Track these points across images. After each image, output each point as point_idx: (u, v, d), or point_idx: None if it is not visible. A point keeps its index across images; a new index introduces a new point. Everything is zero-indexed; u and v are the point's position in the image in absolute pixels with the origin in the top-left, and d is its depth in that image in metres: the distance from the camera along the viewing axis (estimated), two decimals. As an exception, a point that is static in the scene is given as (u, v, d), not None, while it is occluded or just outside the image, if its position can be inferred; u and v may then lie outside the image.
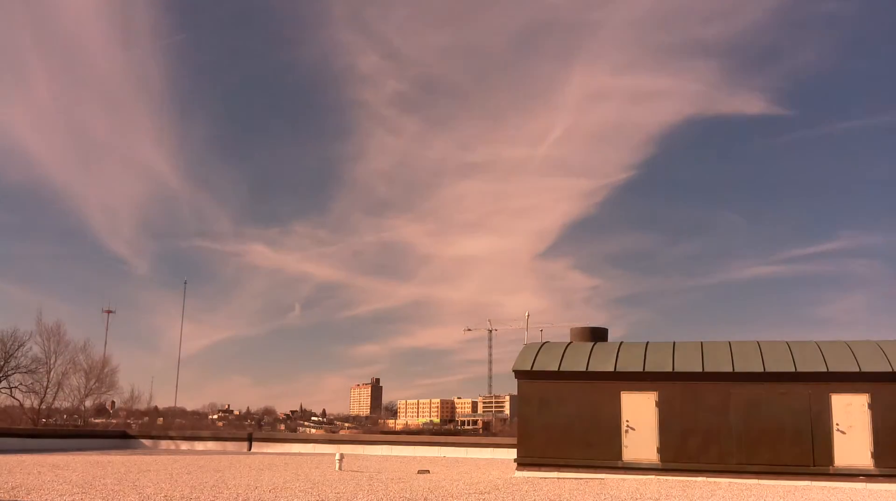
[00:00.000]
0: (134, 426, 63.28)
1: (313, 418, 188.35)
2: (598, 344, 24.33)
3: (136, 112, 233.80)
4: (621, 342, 24.37)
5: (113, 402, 72.45)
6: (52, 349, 51.44)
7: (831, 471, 20.58)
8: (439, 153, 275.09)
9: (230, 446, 40.11)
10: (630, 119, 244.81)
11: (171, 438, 42.20)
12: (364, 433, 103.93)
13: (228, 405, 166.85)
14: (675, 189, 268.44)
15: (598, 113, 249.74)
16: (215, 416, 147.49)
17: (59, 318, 71.75)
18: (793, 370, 21.45)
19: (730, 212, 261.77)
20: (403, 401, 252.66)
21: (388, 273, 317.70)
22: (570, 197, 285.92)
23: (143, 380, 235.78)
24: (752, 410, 21.41)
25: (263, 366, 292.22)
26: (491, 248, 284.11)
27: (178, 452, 36.83)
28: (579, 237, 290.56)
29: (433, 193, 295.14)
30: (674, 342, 23.72)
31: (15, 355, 49.42)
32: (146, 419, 77.92)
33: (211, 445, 40.53)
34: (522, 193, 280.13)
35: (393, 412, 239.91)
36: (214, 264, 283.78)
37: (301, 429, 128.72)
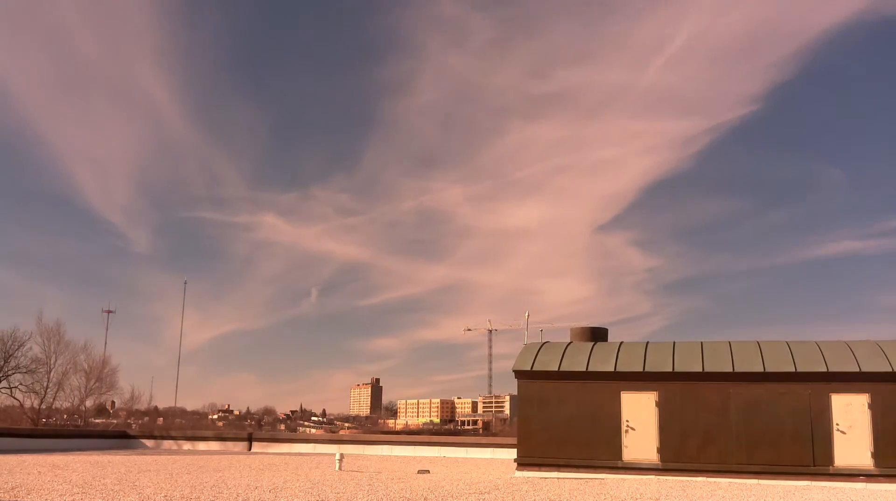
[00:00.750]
0: (134, 426, 63.30)
1: (313, 418, 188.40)
2: (598, 344, 24.33)
3: (132, 31, 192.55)
4: (621, 342, 24.38)
5: (113, 402, 72.54)
6: (52, 349, 51.44)
7: (831, 471, 20.57)
8: (507, 80, 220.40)
9: (233, 446, 40.08)
10: (777, 23, 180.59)
11: (172, 438, 42.16)
12: (364, 433, 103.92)
13: (228, 405, 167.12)
14: (792, 132, 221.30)
15: (739, 13, 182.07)
16: (215, 416, 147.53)
17: (58, 317, 71.60)
18: (793, 370, 21.44)
19: (837, 167, 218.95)
20: (403, 401, 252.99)
21: (421, 251, 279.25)
22: (662, 146, 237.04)
23: (144, 379, 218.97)
24: (752, 410, 21.40)
25: (270, 361, 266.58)
26: (544, 218, 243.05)
27: (178, 452, 36.81)
28: (651, 204, 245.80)
29: (490, 140, 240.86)
30: (674, 342, 23.73)
31: (15, 355, 49.40)
32: (146, 419, 77.97)
33: (214, 445, 40.49)
34: (603, 140, 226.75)
35: (393, 412, 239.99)
36: (224, 240, 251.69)
37: (301, 429, 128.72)
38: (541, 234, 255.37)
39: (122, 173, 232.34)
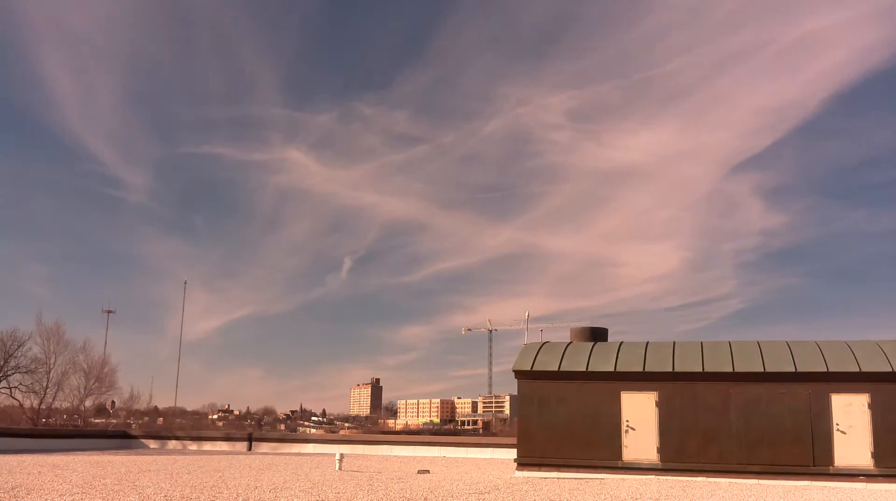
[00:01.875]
0: (134, 426, 63.28)
1: (313, 418, 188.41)
2: (598, 344, 24.33)
3: None
4: (621, 342, 24.38)
5: (113, 402, 72.42)
6: (51, 349, 51.36)
7: (831, 471, 20.57)
8: None
9: (242, 446, 40.00)
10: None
11: (178, 438, 42.11)
12: (364, 433, 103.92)
13: (228, 405, 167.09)
14: None
15: None
16: (215, 416, 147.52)
17: (57, 317, 71.58)
18: (793, 370, 21.45)
19: None
20: (403, 401, 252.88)
21: (489, 205, 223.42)
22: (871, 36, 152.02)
23: (144, 378, 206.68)
24: (752, 410, 21.40)
25: (281, 355, 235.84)
26: (671, 148, 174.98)
27: (178, 452, 36.81)
28: (822, 127, 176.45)
29: (628, 19, 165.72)
30: (674, 342, 23.73)
31: (15, 355, 49.33)
32: (146, 419, 77.89)
33: (224, 445, 40.43)
34: (812, 8, 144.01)
35: (393, 412, 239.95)
36: (241, 188, 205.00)
37: (301, 429, 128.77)
38: (655, 175, 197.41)
39: (105, 77, 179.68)
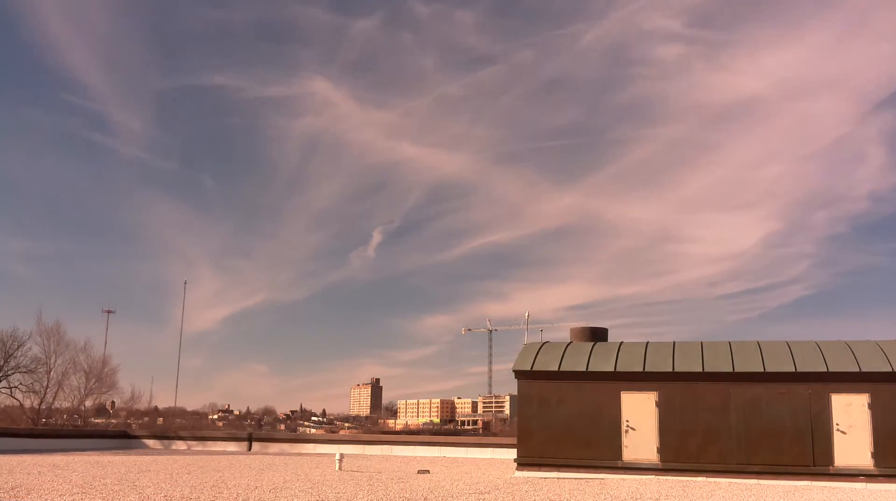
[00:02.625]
0: (134, 426, 63.28)
1: (313, 418, 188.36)
2: (598, 344, 24.32)
3: None
4: (621, 342, 24.37)
5: (113, 402, 72.48)
6: (51, 348, 51.39)
7: (831, 471, 20.57)
8: None
9: (239, 446, 39.98)
10: None
11: (181, 438, 42.07)
12: (364, 433, 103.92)
13: (228, 405, 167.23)
14: None
15: None
16: (215, 416, 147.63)
17: (58, 317, 71.56)
18: (793, 370, 21.44)
19: None
20: (403, 401, 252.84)
21: (559, 159, 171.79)
22: None
23: (144, 378, 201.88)
24: (752, 410, 21.40)
25: (291, 349, 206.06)
26: (804, 72, 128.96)
27: (178, 452, 36.81)
28: None
29: None
30: (674, 342, 23.73)
31: (15, 354, 49.35)
32: (146, 419, 77.91)
33: (231, 446, 40.38)
34: None
35: (393, 412, 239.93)
36: (258, 137, 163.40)
37: (301, 429, 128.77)
38: (776, 114, 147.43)
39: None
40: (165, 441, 41.40)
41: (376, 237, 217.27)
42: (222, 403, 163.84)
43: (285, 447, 39.61)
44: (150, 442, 41.27)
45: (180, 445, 40.77)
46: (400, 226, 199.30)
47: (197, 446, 40.55)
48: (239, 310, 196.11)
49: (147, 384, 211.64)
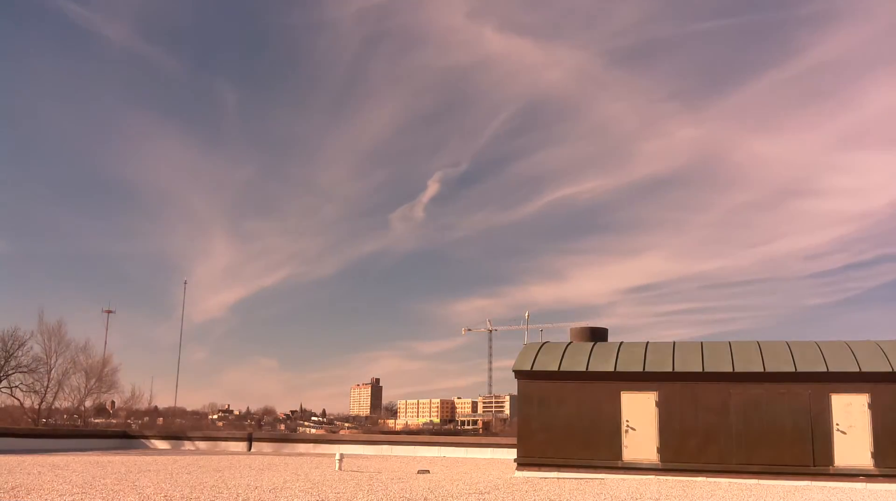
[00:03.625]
0: (134, 426, 63.29)
1: (313, 418, 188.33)
2: (598, 344, 24.32)
3: None
4: (621, 342, 24.37)
5: (113, 402, 72.50)
6: (52, 348, 51.39)
7: (831, 471, 20.57)
8: None
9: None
10: None
11: (189, 438, 42.02)
12: (364, 433, 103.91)
13: (228, 405, 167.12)
14: None
15: None
16: (215, 416, 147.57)
17: (59, 317, 71.53)
18: (793, 370, 21.44)
19: None
20: (403, 401, 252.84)
21: (704, 62, 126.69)
22: None
23: (144, 378, 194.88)
24: (752, 410, 21.40)
25: (307, 338, 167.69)
26: None
27: (178, 452, 36.80)
28: None
29: None
30: (674, 342, 23.73)
31: (15, 354, 49.36)
32: (146, 419, 77.90)
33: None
34: None
35: (393, 412, 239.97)
36: (296, 27, 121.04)
37: (301, 429, 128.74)
38: None
39: None
40: (165, 441, 41.38)
41: (432, 188, 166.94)
42: (222, 403, 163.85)
43: (285, 447, 39.61)
44: (150, 442, 41.24)
45: (192, 445, 40.70)
46: (466, 170, 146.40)
47: (201, 445, 40.52)
48: (255, 292, 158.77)
49: (147, 383, 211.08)
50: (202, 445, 40.69)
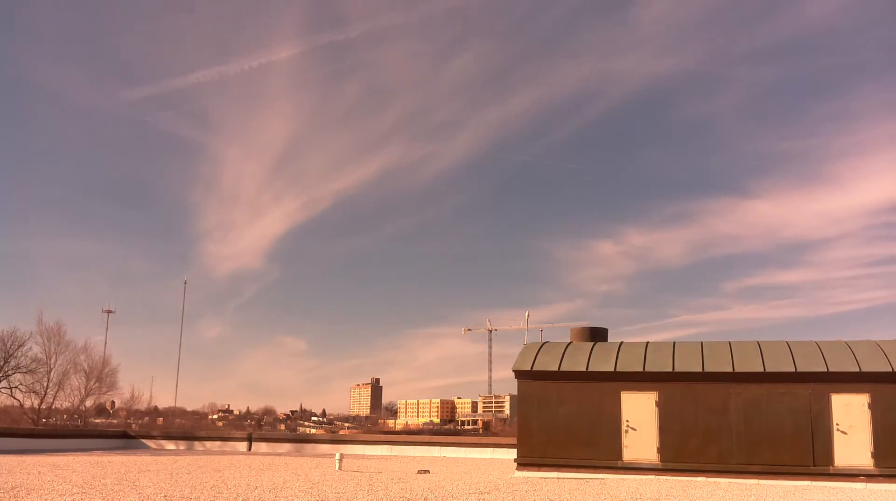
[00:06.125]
0: (134, 426, 63.32)
1: (313, 418, 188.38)
2: (598, 344, 24.32)
3: None
4: (621, 342, 24.38)
5: (113, 402, 72.54)
6: (52, 348, 51.39)
7: (831, 471, 20.57)
8: None
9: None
10: None
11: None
12: (364, 433, 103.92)
13: (228, 405, 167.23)
14: None
15: None
16: (215, 416, 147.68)
17: (58, 317, 71.52)
18: (793, 370, 21.44)
19: None
20: (403, 401, 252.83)
21: None
22: None
23: (144, 377, 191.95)
24: (752, 410, 21.40)
25: (344, 310, 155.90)
26: None
27: (178, 452, 36.80)
28: None
29: None
30: (674, 342, 23.74)
31: (15, 355, 49.36)
32: (146, 419, 77.94)
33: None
34: None
35: (393, 412, 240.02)
36: None
37: (301, 429, 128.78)
38: None
39: None
40: (165, 442, 41.39)
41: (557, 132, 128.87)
42: (222, 403, 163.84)
43: (285, 447, 39.60)
44: (160, 443, 41.20)
45: (205, 446, 40.66)
46: (611, 107, 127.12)
47: (226, 446, 40.46)
48: (293, 227, 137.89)
49: (147, 383, 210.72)
50: (210, 445, 40.68)
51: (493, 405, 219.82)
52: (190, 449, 39.30)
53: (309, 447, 39.40)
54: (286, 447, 39.59)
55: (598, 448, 21.97)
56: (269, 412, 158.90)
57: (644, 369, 22.38)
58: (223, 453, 36.24)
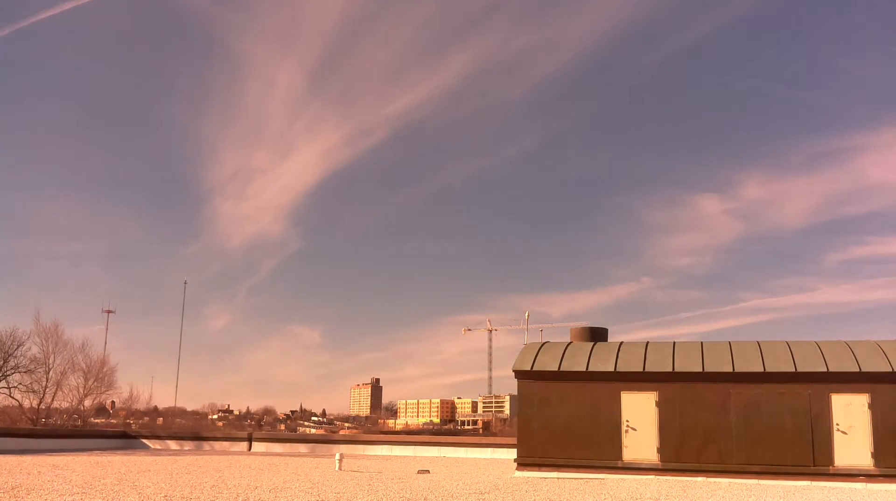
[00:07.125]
0: (134, 425, 63.29)
1: (313, 418, 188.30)
2: (598, 344, 24.32)
3: None
4: (621, 342, 24.38)
5: (113, 402, 72.45)
6: (50, 348, 51.34)
7: (831, 471, 20.57)
8: None
9: (295, 448, 39.75)
10: None
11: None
12: (364, 433, 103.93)
13: (228, 405, 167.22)
14: None
15: None
16: (215, 416, 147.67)
17: (55, 317, 71.50)
18: (793, 370, 21.44)
19: None
20: (403, 401, 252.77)
21: None
22: None
23: (144, 377, 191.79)
24: (752, 410, 21.40)
25: (369, 293, 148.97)
26: None
27: (178, 452, 36.78)
28: None
29: None
30: (674, 342, 23.74)
31: (14, 355, 49.30)
32: (146, 419, 77.92)
33: (230, 446, 40.36)
34: None
35: (393, 412, 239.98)
36: None
37: (301, 429, 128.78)
38: None
39: None
40: (165, 442, 41.38)
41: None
42: (222, 402, 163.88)
43: (285, 447, 39.59)
44: (164, 443, 41.18)
45: (212, 446, 40.61)
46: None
47: (233, 446, 40.40)
48: (329, 174, 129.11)
49: (147, 382, 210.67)
50: (210, 445, 40.66)
51: (493, 405, 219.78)
52: (190, 449, 39.28)
53: (309, 447, 39.38)
54: (286, 447, 39.57)
55: (598, 448, 21.97)
56: (269, 412, 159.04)
57: (644, 369, 22.38)
58: (223, 453, 36.23)
